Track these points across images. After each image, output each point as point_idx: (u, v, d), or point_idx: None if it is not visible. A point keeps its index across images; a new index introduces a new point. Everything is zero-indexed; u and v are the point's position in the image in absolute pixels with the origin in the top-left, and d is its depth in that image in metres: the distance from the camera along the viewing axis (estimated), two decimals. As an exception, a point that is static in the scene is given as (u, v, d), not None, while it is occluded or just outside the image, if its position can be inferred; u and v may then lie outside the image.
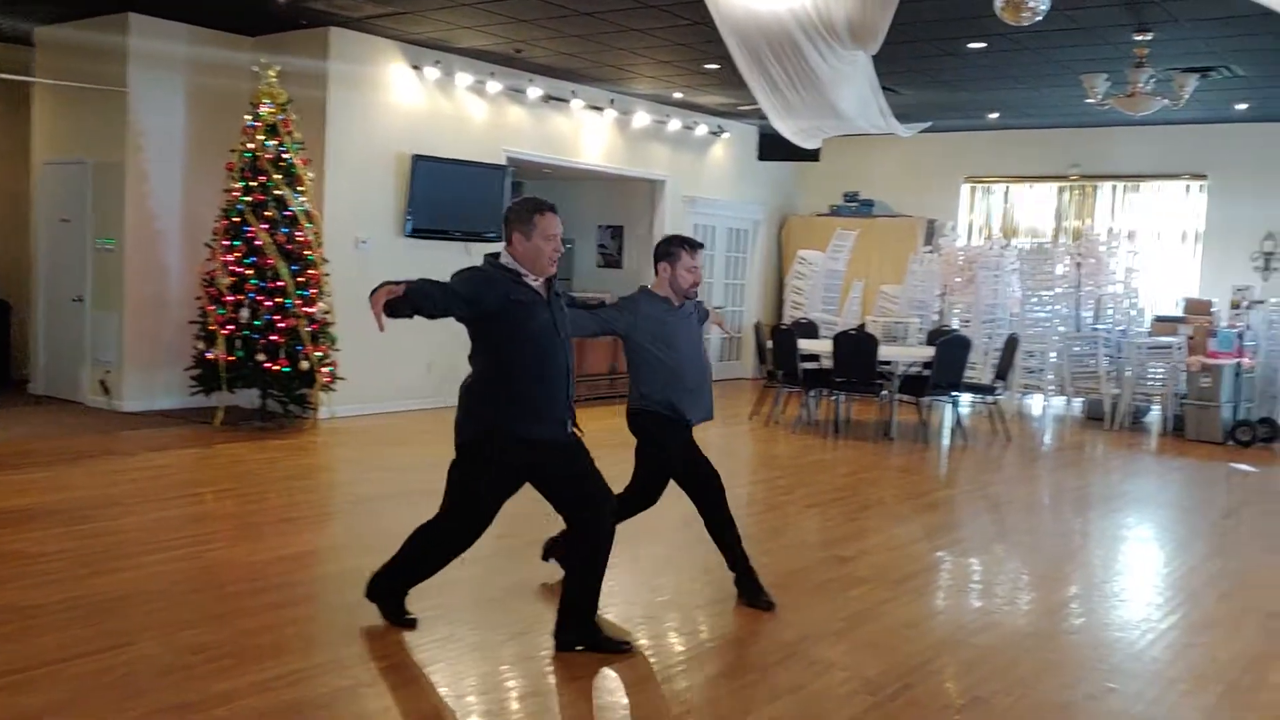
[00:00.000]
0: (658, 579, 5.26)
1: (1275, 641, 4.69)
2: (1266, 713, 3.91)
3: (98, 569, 4.85)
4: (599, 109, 11.70)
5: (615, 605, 4.73)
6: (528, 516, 6.38)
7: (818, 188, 14.66)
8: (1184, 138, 12.16)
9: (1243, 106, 10.81)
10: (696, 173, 13.32)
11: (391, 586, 4.31)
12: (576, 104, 11.39)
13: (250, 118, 8.64)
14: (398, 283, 3.77)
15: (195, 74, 9.38)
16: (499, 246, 4.23)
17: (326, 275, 8.91)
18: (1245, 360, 10.55)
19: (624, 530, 6.05)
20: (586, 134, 11.79)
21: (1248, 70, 9.09)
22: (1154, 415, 11.66)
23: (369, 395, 9.67)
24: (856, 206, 14.19)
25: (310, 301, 8.71)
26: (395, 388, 10.00)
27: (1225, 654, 4.50)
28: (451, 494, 4.20)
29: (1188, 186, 12.40)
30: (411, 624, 4.27)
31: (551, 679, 3.91)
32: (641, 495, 4.93)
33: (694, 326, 4.95)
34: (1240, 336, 10.55)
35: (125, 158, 9.04)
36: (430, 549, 4.26)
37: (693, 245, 4.79)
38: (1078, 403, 12.01)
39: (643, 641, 4.33)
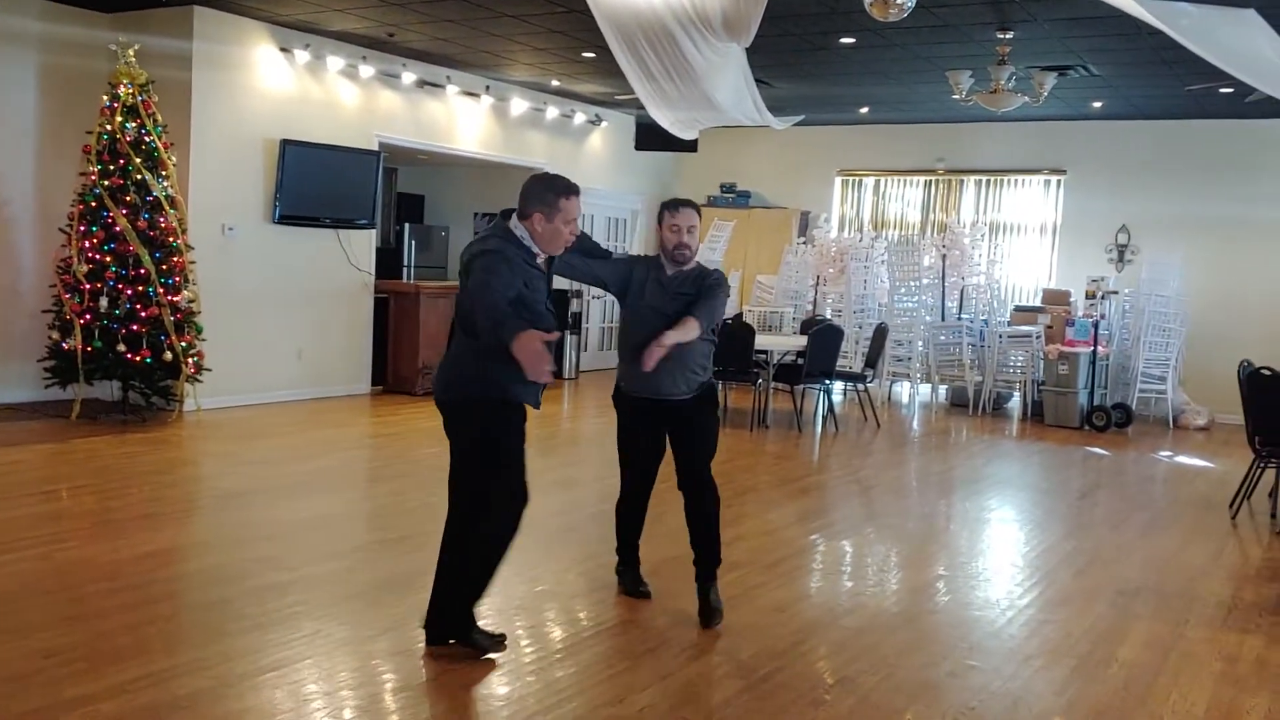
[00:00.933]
0: (535, 569, 5.24)
1: (1123, 617, 4.92)
2: (1113, 685, 4.09)
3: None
4: (475, 95, 11.57)
5: (491, 596, 4.70)
6: (399, 511, 6.31)
7: (695, 178, 14.79)
8: (1043, 134, 12.63)
9: (1098, 104, 11.28)
10: (574, 161, 13.29)
11: (465, 613, 4.02)
12: (452, 89, 11.25)
13: (108, 99, 8.28)
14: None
15: (47, 51, 8.95)
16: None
17: (192, 263, 8.62)
18: (1100, 348, 11.04)
19: (539, 511, 6.03)
20: (462, 120, 11.65)
21: (1102, 69, 9.48)
22: (1015, 401, 12.10)
23: (237, 386, 9.40)
24: (733, 197, 14.36)
25: (175, 290, 8.42)
26: (264, 378, 9.74)
27: (1078, 629, 4.70)
28: (481, 468, 3.95)
29: (1047, 181, 12.89)
30: (502, 642, 4.05)
31: (424, 672, 3.87)
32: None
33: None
34: (1095, 326, 11.03)
35: (-29, 140, 8.59)
36: (489, 548, 3.99)
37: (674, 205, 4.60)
38: (943, 390, 12.39)
39: (519, 632, 4.31)
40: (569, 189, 3.94)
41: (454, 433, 4.00)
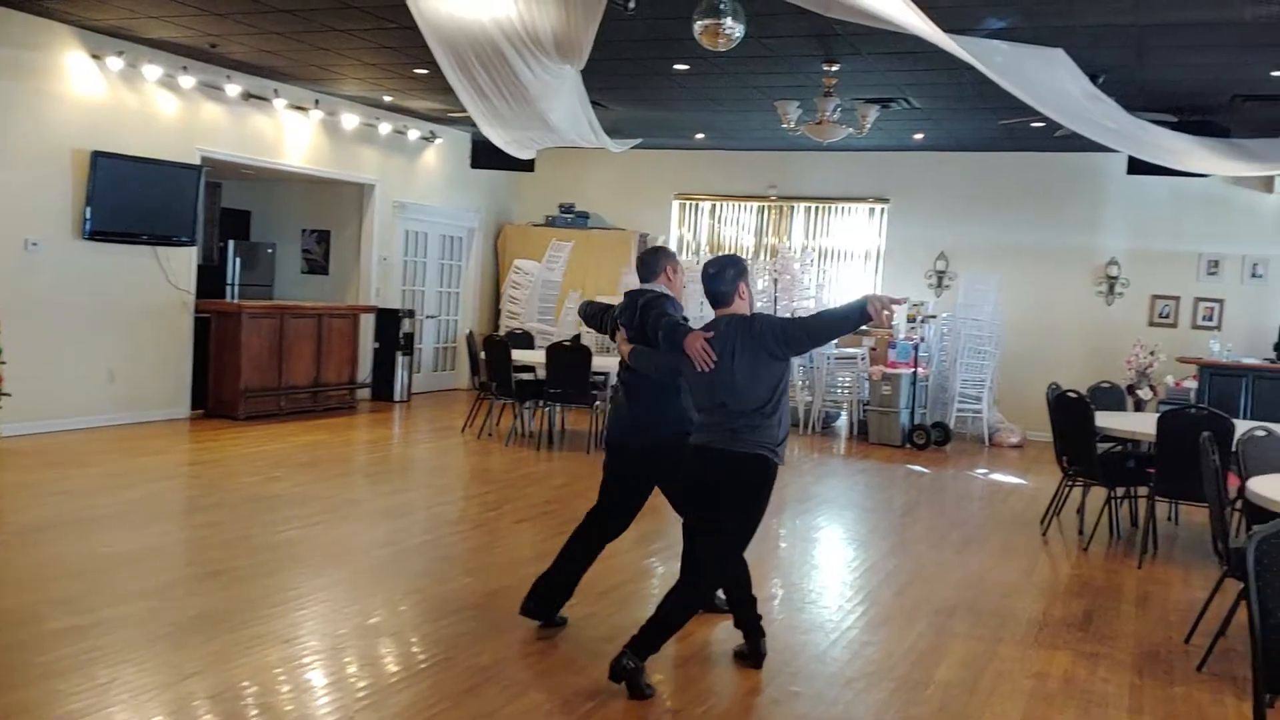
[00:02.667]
0: (365, 600, 5.05)
1: (941, 636, 5.07)
2: (930, 706, 4.20)
3: None
4: (304, 109, 11.23)
5: (313, 630, 4.51)
6: (214, 545, 5.99)
7: (534, 198, 14.72)
8: (868, 164, 13.07)
9: (919, 136, 11.73)
10: (408, 178, 13.05)
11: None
12: (279, 103, 10.88)
13: (-107, 102, 7.70)
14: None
15: None
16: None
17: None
18: (920, 370, 11.46)
19: (329, 550, 5.82)
20: (291, 134, 11.29)
21: (923, 102, 9.85)
22: (842, 420, 12.44)
23: (43, 411, 8.83)
24: (572, 218, 14.35)
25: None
26: (74, 402, 9.18)
27: (898, 650, 4.82)
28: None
29: (871, 209, 13.33)
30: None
31: (236, 717, 3.67)
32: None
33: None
34: (916, 348, 11.45)
35: None
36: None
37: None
38: (777, 410, 12.60)
39: (352, 669, 4.14)
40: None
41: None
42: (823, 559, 6.71)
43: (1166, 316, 12.20)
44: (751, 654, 4.55)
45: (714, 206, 14.15)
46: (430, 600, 5.20)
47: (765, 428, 4.14)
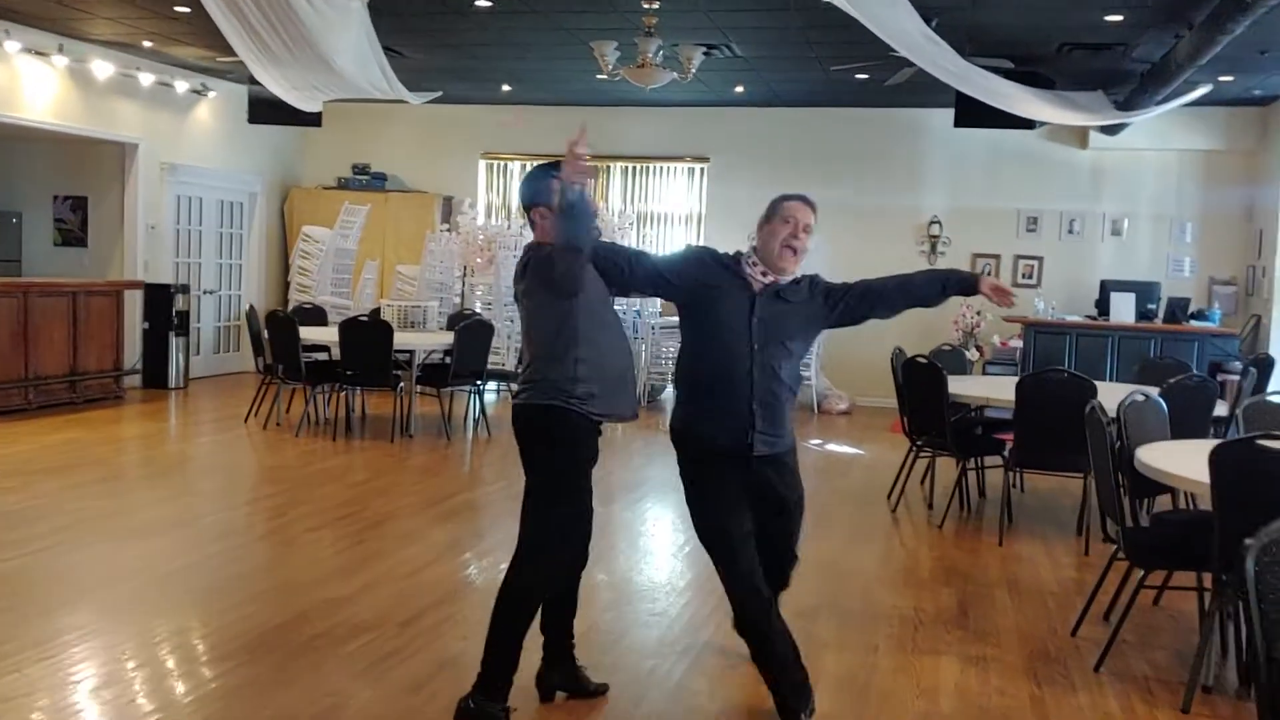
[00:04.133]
0: (108, 649, 3.94)
1: (810, 647, 4.31)
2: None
3: None
4: (44, 55, 9.63)
5: (29, 701, 3.40)
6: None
7: (324, 158, 13.39)
8: (687, 120, 12.36)
9: (740, 89, 11.08)
10: (177, 136, 11.55)
11: None
12: (12, 46, 9.26)
13: None
14: None
15: None
16: None
17: None
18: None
19: (63, 582, 4.56)
20: (29, 84, 9.67)
21: (745, 49, 9.17)
22: (669, 393, 11.75)
23: None
24: (367, 179, 13.11)
25: None
26: None
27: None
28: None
29: (691, 169, 12.64)
30: None
31: None
32: None
33: None
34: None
35: None
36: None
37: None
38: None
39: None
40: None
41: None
42: (663, 559, 5.92)
43: (988, 275, 11.98)
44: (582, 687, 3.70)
45: (524, 167, 13.16)
46: (196, 643, 4.14)
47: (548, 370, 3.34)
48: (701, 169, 12.56)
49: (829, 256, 11.47)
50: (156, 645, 4.12)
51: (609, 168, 12.80)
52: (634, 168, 12.80)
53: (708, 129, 12.37)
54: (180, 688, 3.72)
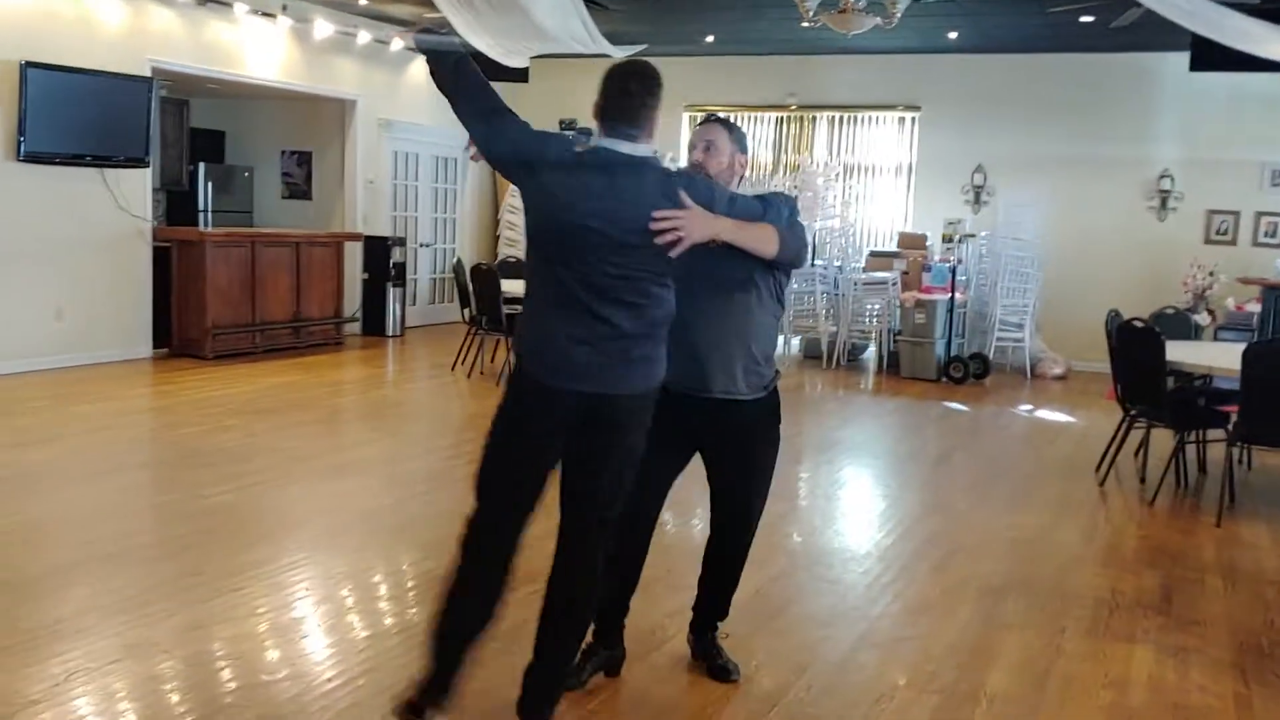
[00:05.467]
0: (295, 584, 4.16)
1: (990, 628, 4.12)
2: (985, 732, 3.28)
3: None
4: (270, 15, 10.14)
5: (215, 632, 3.62)
6: (123, 514, 5.02)
7: (530, 113, 13.22)
8: (897, 67, 11.87)
9: (954, 35, 10.54)
10: (393, 93, 11.98)
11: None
12: (241, 8, 9.78)
13: None
14: None
15: None
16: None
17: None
18: (958, 295, 10.40)
19: (258, 521, 4.81)
20: (255, 44, 10.21)
21: (959, -7, 8.70)
22: (870, 353, 11.44)
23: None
24: (573, 135, 13.24)
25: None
26: (16, 343, 8.30)
27: (938, 648, 3.88)
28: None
29: (901, 119, 12.16)
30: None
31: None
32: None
33: None
34: (953, 271, 10.39)
35: None
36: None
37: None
38: (796, 342, 11.64)
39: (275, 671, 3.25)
40: None
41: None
42: (845, 524, 5.75)
43: (1224, 233, 11.06)
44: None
45: (730, 118, 13.00)
46: (380, 580, 4.31)
47: None
48: (913, 118, 12.07)
49: (1047, 214, 10.86)
50: (353, 577, 4.31)
51: (815, 118, 12.49)
52: (840, 117, 12.43)
53: (918, 76, 11.84)
54: (370, 620, 3.88)
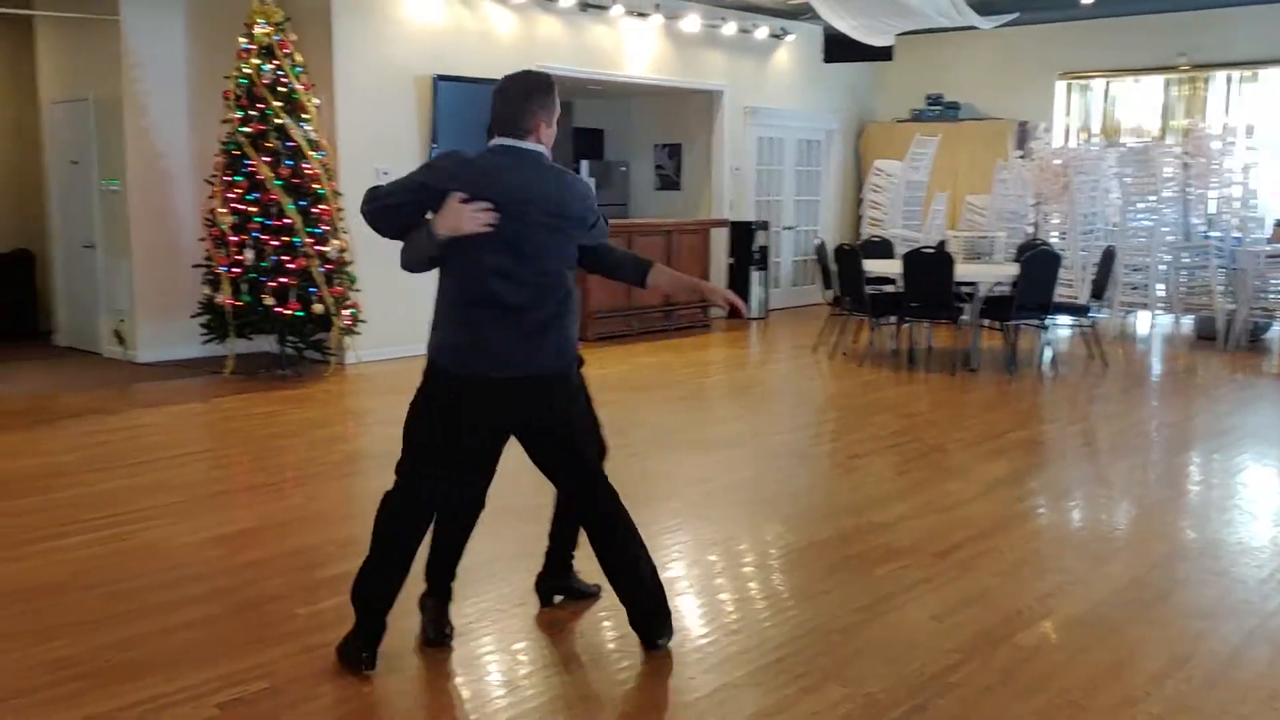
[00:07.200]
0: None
1: None
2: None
3: (2, 556, 4.28)
4: (643, 14, 10.70)
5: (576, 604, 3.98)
6: (518, 478, 5.52)
7: (895, 90, 13.44)
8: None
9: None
10: (758, 81, 12.25)
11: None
12: (617, 10, 10.41)
13: (244, 40, 7.94)
14: None
15: (193, -7, 8.71)
16: None
17: (341, 210, 8.21)
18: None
19: (631, 489, 5.16)
20: (631, 44, 10.81)
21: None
22: (1274, 332, 10.36)
23: (398, 337, 8.98)
24: (940, 110, 12.96)
25: (323, 240, 8.05)
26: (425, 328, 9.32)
27: (1349, 652, 3.53)
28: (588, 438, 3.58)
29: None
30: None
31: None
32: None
33: None
34: (1378, 240, 9.19)
35: (122, 92, 8.43)
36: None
37: None
38: (1187, 320, 10.76)
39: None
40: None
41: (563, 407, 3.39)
42: (1240, 516, 5.29)
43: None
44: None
45: (1107, 84, 12.20)
46: (743, 547, 4.53)
47: None
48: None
49: None
50: (721, 544, 4.56)
51: (1209, 78, 11.44)
52: (1239, 75, 11.31)
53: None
54: (736, 585, 4.10)
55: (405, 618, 3.51)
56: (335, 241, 8.12)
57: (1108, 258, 9.47)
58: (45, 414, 6.95)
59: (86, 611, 3.74)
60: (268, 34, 7.88)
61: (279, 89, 7.89)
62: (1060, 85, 12.40)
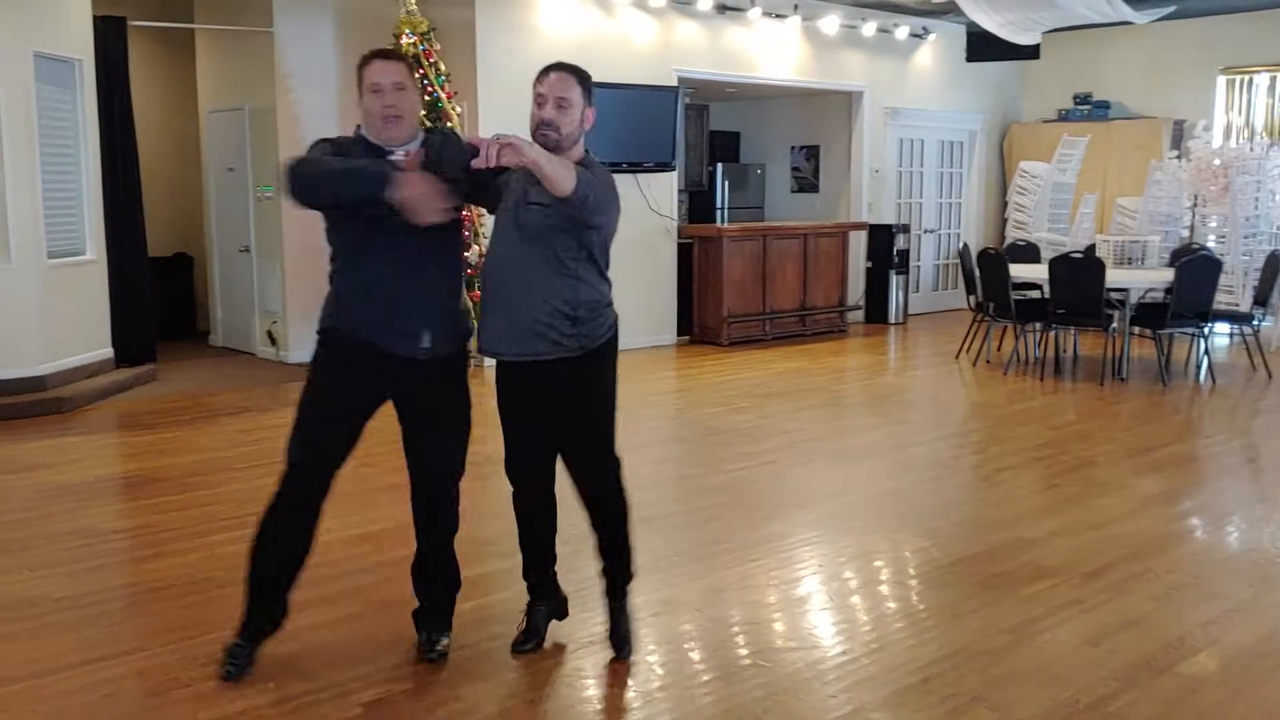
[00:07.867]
0: (794, 565, 4.40)
1: None
2: None
3: (162, 550, 4.48)
4: (782, 16, 10.59)
5: (728, 598, 3.93)
6: (654, 483, 5.53)
7: (1042, 89, 13.00)
8: None
9: None
10: (899, 81, 12.00)
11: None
12: (754, 13, 10.33)
13: (391, 50, 8.14)
14: None
15: (344, 6, 8.97)
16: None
17: (481, 216, 8.36)
18: None
19: (770, 498, 5.14)
20: (769, 46, 10.71)
21: None
22: None
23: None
24: (1089, 109, 12.48)
25: (464, 246, 8.19)
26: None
27: None
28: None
29: None
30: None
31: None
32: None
33: None
34: None
35: (276, 101, 8.75)
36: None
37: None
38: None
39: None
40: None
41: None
42: None
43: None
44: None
45: (1274, 79, 11.55)
46: (883, 564, 4.42)
47: None
48: None
49: None
50: (859, 559, 4.46)
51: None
52: None
53: None
54: (874, 602, 4.01)
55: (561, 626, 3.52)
56: (475, 247, 8.27)
57: (1272, 263, 8.98)
58: (205, 411, 7.26)
59: (237, 606, 3.86)
60: (413, 43, 8.07)
61: (424, 97, 8.07)
62: (1221, 80, 11.81)
